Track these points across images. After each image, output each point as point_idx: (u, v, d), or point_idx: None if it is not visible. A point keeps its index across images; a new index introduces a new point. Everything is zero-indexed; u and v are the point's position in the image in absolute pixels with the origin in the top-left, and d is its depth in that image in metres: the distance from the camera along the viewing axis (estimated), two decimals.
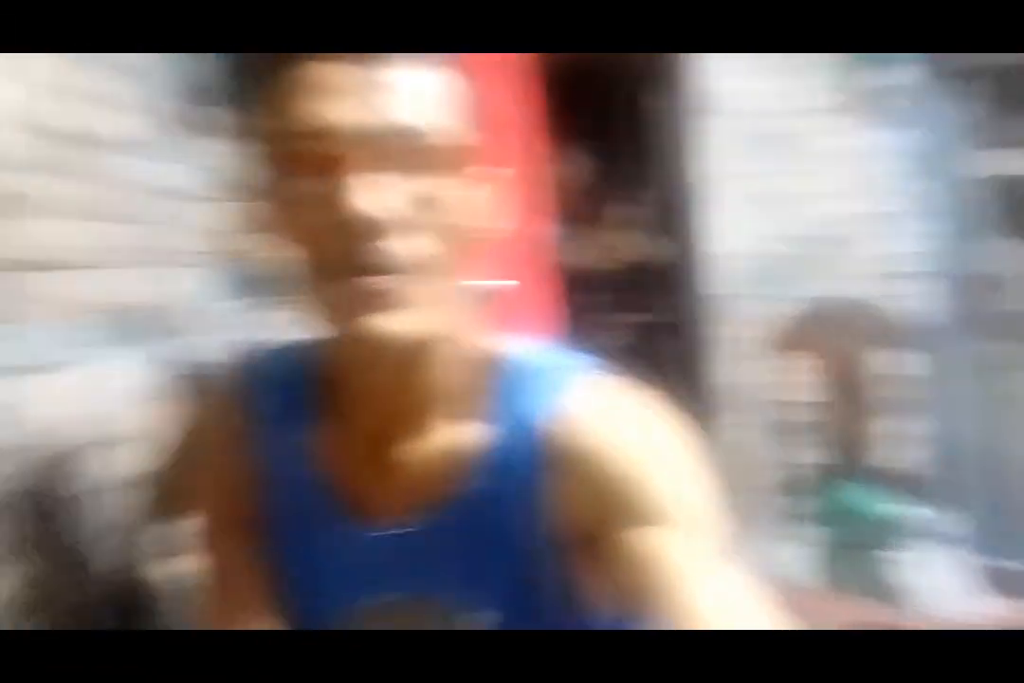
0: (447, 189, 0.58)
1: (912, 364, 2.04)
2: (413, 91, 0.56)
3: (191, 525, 0.76)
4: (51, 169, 0.82)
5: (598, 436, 0.62)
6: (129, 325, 0.92)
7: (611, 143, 2.21)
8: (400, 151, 0.56)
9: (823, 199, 2.09)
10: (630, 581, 0.59)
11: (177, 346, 0.98)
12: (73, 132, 0.87)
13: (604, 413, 0.63)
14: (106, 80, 0.91)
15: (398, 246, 0.56)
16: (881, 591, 1.71)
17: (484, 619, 0.64)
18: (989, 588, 1.76)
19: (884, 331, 2.05)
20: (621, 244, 2.19)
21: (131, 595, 0.85)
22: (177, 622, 0.85)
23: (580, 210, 2.23)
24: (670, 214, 2.14)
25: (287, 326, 0.70)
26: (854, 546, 1.75)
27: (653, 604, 0.57)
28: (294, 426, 0.69)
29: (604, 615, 0.66)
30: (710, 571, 0.57)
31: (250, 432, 0.70)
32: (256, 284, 1.13)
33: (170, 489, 0.80)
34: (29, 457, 0.76)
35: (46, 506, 0.77)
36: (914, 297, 2.12)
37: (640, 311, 2.14)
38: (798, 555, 1.79)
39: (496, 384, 0.65)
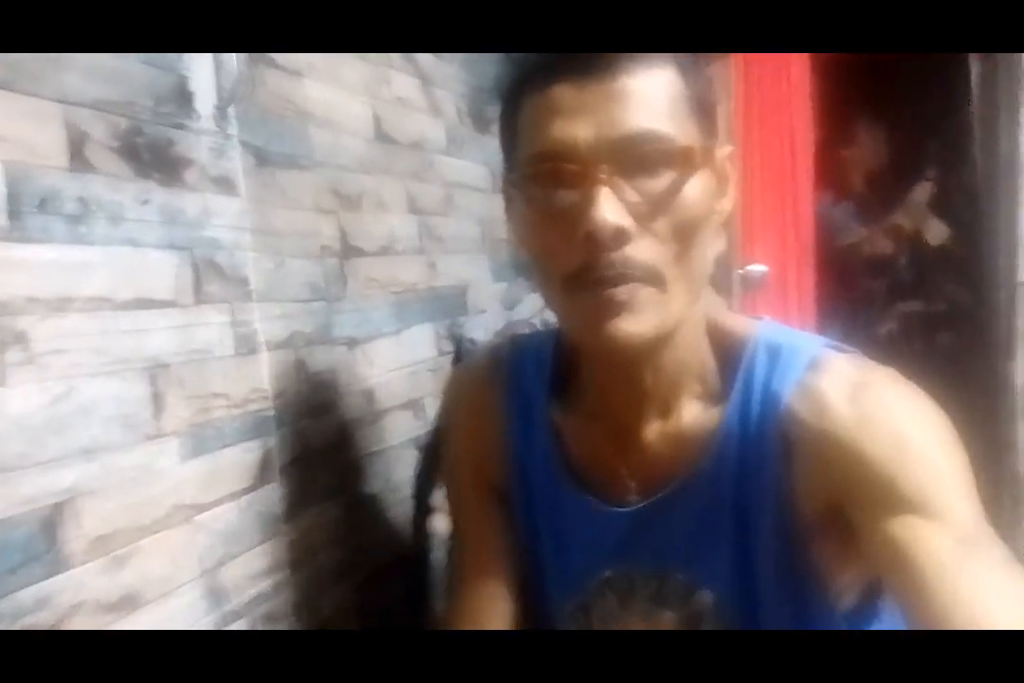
0: (683, 187, 0.58)
1: None
2: (648, 96, 0.57)
3: (448, 490, 0.82)
4: (384, 169, 0.94)
5: (844, 417, 0.60)
6: (430, 303, 1.03)
7: (916, 124, 2.06)
8: (640, 157, 0.57)
9: None
10: (884, 570, 0.57)
11: (463, 323, 1.08)
12: (403, 137, 0.99)
13: (855, 392, 0.60)
14: (414, 87, 1.02)
15: (639, 253, 0.57)
16: None
17: (711, 596, 0.65)
18: None
19: None
20: (911, 227, 2.03)
21: (410, 544, 0.95)
22: (437, 575, 0.94)
23: (873, 192, 2.11)
24: (973, 197, 1.95)
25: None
26: None
27: (908, 596, 0.55)
28: (544, 406, 0.72)
29: (835, 603, 0.64)
30: (969, 562, 0.54)
31: (506, 408, 0.74)
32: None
33: (438, 453, 0.87)
34: (349, 414, 0.87)
35: (357, 459, 0.88)
36: None
37: (925, 299, 1.98)
38: None
39: (741, 363, 0.65)
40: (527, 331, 0.88)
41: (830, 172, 2.01)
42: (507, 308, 1.22)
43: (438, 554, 0.93)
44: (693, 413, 0.66)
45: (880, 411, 0.60)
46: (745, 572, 0.64)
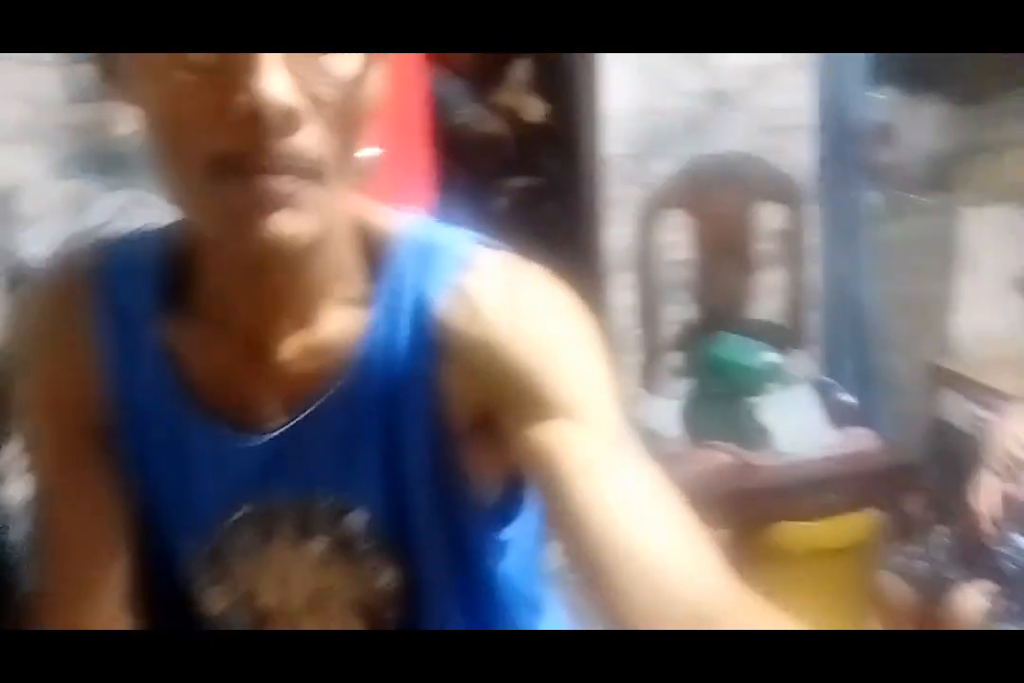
0: (366, 69, 0.51)
1: (795, 216, 2.06)
2: None
3: (27, 441, 0.67)
4: None
5: (497, 321, 0.57)
6: None
7: None
8: None
9: (707, 55, 2.02)
10: (533, 474, 0.57)
11: (16, 233, 0.91)
12: None
13: (502, 296, 0.58)
14: None
15: (307, 141, 0.49)
16: (748, 436, 1.79)
17: (362, 517, 0.61)
18: (831, 421, 1.86)
19: (768, 185, 2.05)
20: (514, 105, 2.11)
21: None
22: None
23: (479, 70, 2.13)
24: (560, 74, 2.05)
25: (136, 210, 0.64)
26: (725, 396, 1.82)
27: (554, 498, 0.54)
28: (151, 323, 0.61)
29: (491, 509, 0.64)
30: (613, 465, 0.54)
31: (98, 331, 0.62)
32: (105, 162, 1.04)
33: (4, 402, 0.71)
34: None
35: None
36: (798, 149, 2.12)
37: (529, 174, 2.09)
38: (672, 408, 1.85)
39: (384, 266, 0.59)
40: (113, 238, 0.70)
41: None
42: (77, 212, 1.04)
43: (17, 530, 0.79)
44: (337, 323, 0.59)
45: (529, 314, 0.58)
46: (398, 487, 0.61)
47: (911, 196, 2.30)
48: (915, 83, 2.27)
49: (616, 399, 0.58)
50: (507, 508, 0.66)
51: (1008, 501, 1.30)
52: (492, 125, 2.03)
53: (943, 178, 2.36)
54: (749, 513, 1.74)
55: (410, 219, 0.63)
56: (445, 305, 0.58)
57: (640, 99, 2.00)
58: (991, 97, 2.24)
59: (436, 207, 1.54)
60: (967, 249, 2.27)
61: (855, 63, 2.11)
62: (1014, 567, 1.29)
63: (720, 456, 1.74)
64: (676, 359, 1.96)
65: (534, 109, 2.07)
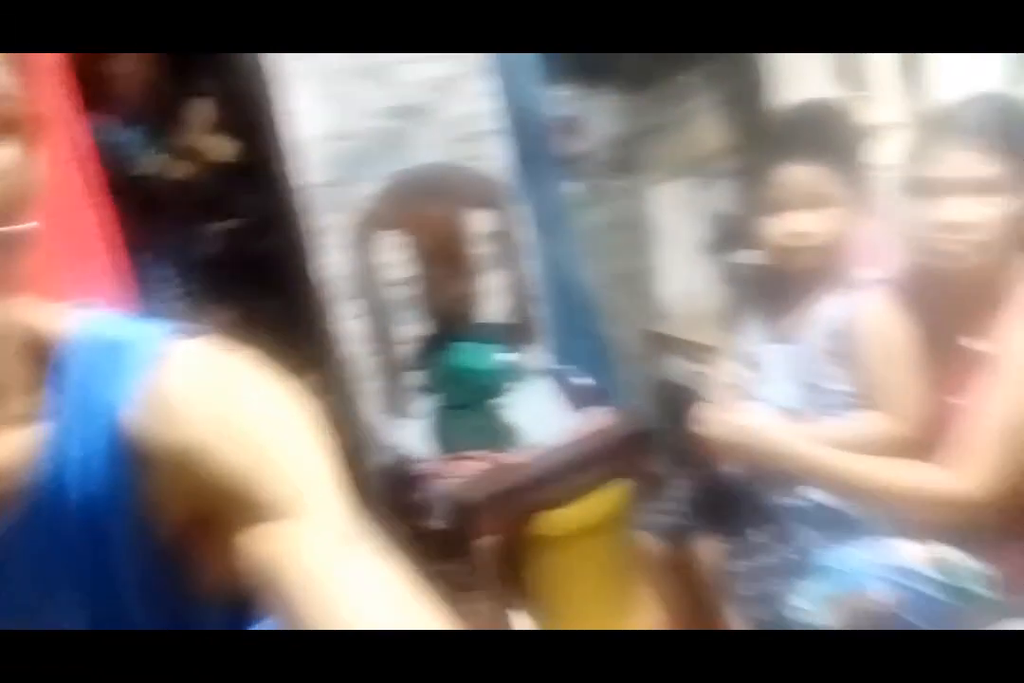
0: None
1: (504, 216, 2.15)
2: None
3: None
4: None
5: (195, 420, 0.53)
6: None
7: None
8: None
9: (392, 68, 2.05)
10: (261, 586, 0.53)
11: None
12: None
13: (199, 391, 0.54)
14: None
15: None
16: (498, 437, 1.88)
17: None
18: (572, 406, 1.99)
19: (472, 191, 2.12)
20: (199, 146, 2.03)
21: None
22: None
23: (145, 115, 2.01)
24: (244, 109, 1.99)
25: None
26: (469, 404, 1.89)
27: (286, 613, 0.51)
28: None
29: (220, 613, 0.61)
30: (342, 566, 0.51)
31: None
32: None
33: None
34: None
35: None
36: (494, 153, 2.21)
37: (231, 215, 2.03)
38: (421, 427, 1.90)
39: (61, 374, 0.54)
40: None
41: (103, 96, 1.86)
42: None
43: None
44: (4, 446, 0.54)
45: (232, 408, 0.54)
46: (113, 607, 0.56)
47: (604, 181, 2.48)
48: (588, 76, 2.44)
49: (341, 489, 0.55)
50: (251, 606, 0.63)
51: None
52: (178, 171, 1.95)
53: (627, 161, 2.56)
54: (512, 512, 1.84)
55: (88, 316, 0.58)
56: (136, 409, 0.54)
57: (329, 124, 2.00)
58: (655, 84, 2.46)
59: (127, 277, 1.45)
60: (659, 223, 2.50)
61: (529, 64, 2.23)
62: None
63: (473, 464, 1.81)
64: (416, 378, 2.00)
65: (221, 148, 2.01)
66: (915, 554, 1.23)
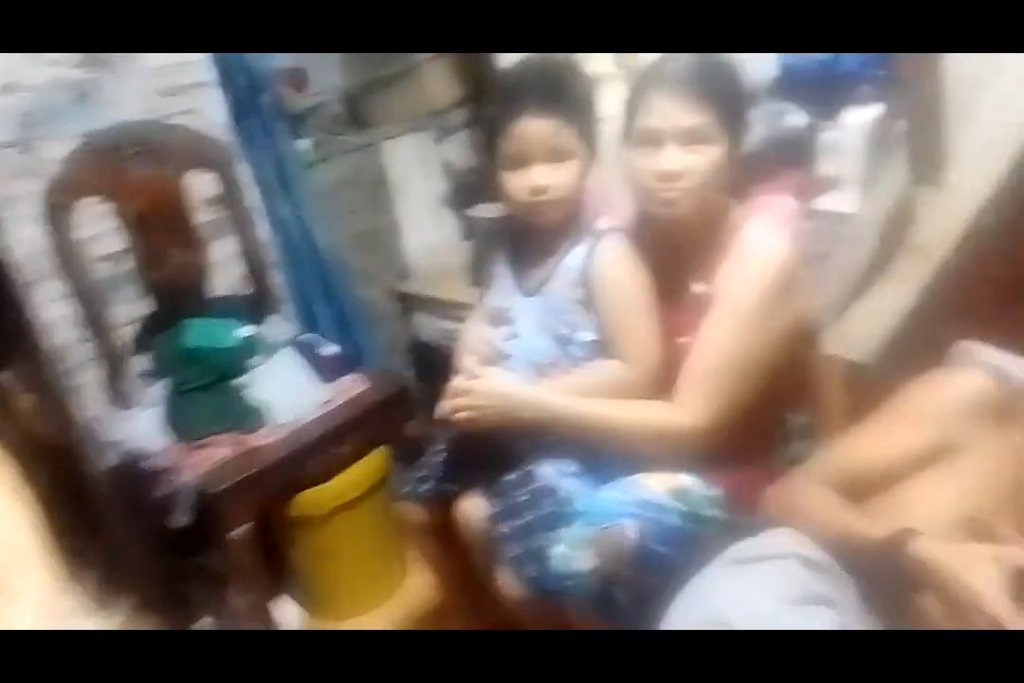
0: None
1: (227, 178, 1.97)
2: None
3: None
4: None
5: None
6: None
7: None
8: None
9: None
10: None
11: None
12: None
13: None
14: None
15: None
16: (244, 419, 1.74)
17: None
18: (321, 377, 1.89)
19: (187, 150, 1.91)
20: None
21: None
22: None
23: None
24: None
25: None
26: (207, 385, 1.73)
27: None
28: None
29: None
30: None
31: None
32: None
33: None
34: None
35: None
36: (208, 108, 2.01)
37: None
38: (153, 417, 1.72)
39: None
40: None
41: None
42: None
43: None
44: None
45: None
46: None
47: (335, 137, 2.34)
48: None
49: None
50: None
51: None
52: None
53: (358, 116, 2.44)
54: (266, 497, 1.72)
55: None
56: None
57: (3, 74, 1.70)
58: None
59: None
60: (397, 179, 2.41)
61: None
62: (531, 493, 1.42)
63: (217, 451, 1.67)
64: (142, 363, 1.80)
65: None
66: (655, 487, 1.29)
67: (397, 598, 1.99)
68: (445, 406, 1.39)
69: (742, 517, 1.26)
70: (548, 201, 1.32)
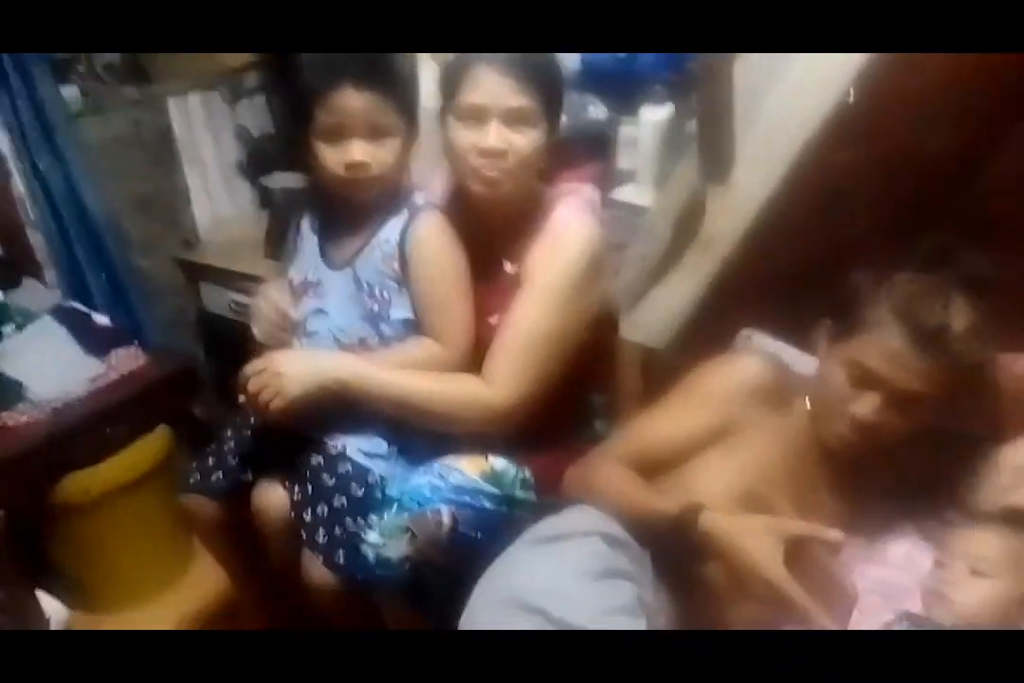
0: None
1: None
2: None
3: None
4: None
5: None
6: None
7: None
8: None
9: None
10: None
11: None
12: None
13: None
14: None
15: None
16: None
17: None
18: (88, 350, 1.72)
19: None
20: None
21: None
22: None
23: None
24: None
25: None
26: None
27: None
28: None
29: None
30: None
31: None
32: None
33: None
34: None
35: None
36: None
37: None
38: None
39: None
40: None
41: None
42: None
43: None
44: None
45: None
46: None
47: (111, 89, 2.12)
48: None
49: None
50: None
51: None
52: None
53: (138, 67, 2.22)
54: (24, 482, 1.54)
55: None
56: None
57: None
58: None
59: None
60: (183, 139, 2.22)
61: None
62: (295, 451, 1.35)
63: None
64: None
65: None
66: (468, 470, 1.28)
67: (177, 591, 1.85)
68: (244, 393, 1.30)
69: (552, 498, 1.28)
70: (366, 178, 1.27)
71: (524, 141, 1.24)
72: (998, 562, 1.00)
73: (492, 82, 1.23)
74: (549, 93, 1.26)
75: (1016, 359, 1.24)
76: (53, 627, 1.63)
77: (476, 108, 1.23)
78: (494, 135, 1.23)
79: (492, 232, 1.34)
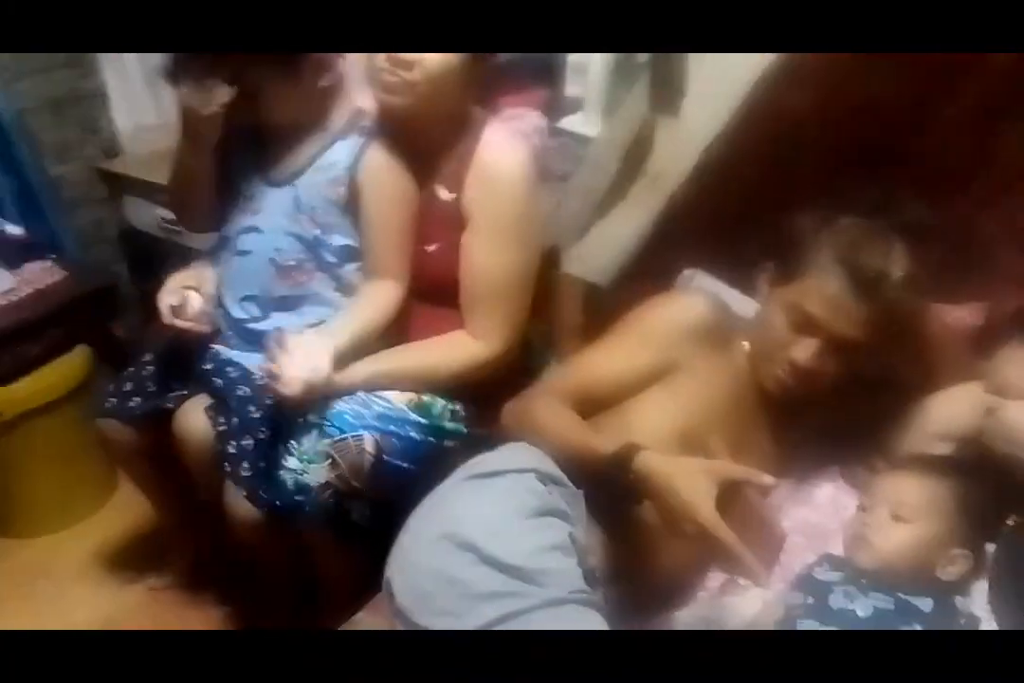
0: None
1: None
2: None
3: None
4: None
5: None
6: None
7: None
8: None
9: None
10: None
11: None
12: None
13: None
14: None
15: None
16: None
17: None
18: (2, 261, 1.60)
19: None
20: None
21: None
22: None
23: None
24: None
25: None
26: None
27: None
28: None
29: None
30: None
31: None
32: None
33: None
34: None
35: None
36: None
37: None
38: None
39: None
40: None
41: None
42: None
43: None
44: None
45: None
46: None
47: None
48: None
49: None
50: None
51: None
52: None
53: None
54: None
55: None
56: None
57: None
58: None
59: None
60: None
61: None
62: (221, 381, 1.29)
63: None
64: None
65: None
66: (395, 400, 1.24)
67: (101, 518, 1.79)
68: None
69: (482, 430, 1.26)
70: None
71: (437, 57, 1.15)
72: (918, 508, 1.02)
73: None
74: None
75: (950, 310, 1.25)
76: None
77: None
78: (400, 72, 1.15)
79: (423, 156, 1.26)
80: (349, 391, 1.24)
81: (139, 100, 2.13)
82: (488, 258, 1.24)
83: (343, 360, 1.23)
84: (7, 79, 1.79)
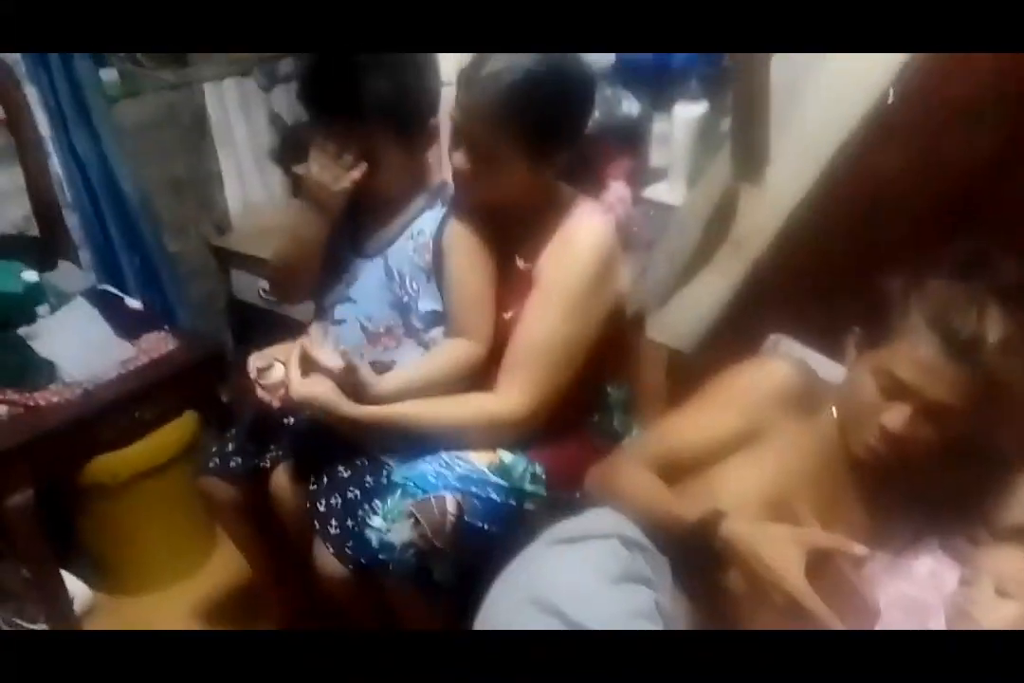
0: None
1: (14, 101, 1.71)
2: None
3: None
4: None
5: None
6: None
7: None
8: None
9: None
10: None
11: None
12: None
13: None
14: None
15: None
16: (27, 374, 1.53)
17: None
18: (120, 333, 1.71)
19: None
20: None
21: None
22: None
23: None
24: None
25: None
26: None
27: None
28: None
29: None
30: None
31: None
32: None
33: None
34: None
35: None
36: None
37: None
38: None
39: None
40: None
41: None
42: None
43: None
44: None
45: None
46: None
47: (146, 71, 2.10)
48: None
49: None
50: None
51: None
52: None
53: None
54: (52, 461, 1.53)
55: None
56: None
57: None
58: None
59: None
60: (218, 124, 2.21)
61: None
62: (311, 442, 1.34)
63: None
64: None
65: None
66: (476, 461, 1.26)
67: (199, 576, 1.85)
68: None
69: (563, 493, 1.26)
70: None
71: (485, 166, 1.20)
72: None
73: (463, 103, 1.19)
74: (527, 134, 1.19)
75: None
76: (76, 607, 1.64)
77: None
78: (457, 159, 1.22)
79: (505, 226, 1.30)
80: (354, 423, 1.26)
81: (248, 179, 2.29)
82: (540, 325, 1.25)
83: (386, 400, 1.25)
84: (135, 163, 1.96)
